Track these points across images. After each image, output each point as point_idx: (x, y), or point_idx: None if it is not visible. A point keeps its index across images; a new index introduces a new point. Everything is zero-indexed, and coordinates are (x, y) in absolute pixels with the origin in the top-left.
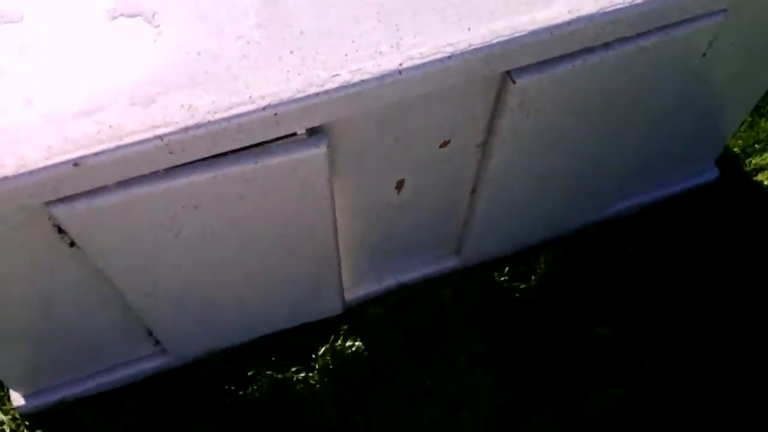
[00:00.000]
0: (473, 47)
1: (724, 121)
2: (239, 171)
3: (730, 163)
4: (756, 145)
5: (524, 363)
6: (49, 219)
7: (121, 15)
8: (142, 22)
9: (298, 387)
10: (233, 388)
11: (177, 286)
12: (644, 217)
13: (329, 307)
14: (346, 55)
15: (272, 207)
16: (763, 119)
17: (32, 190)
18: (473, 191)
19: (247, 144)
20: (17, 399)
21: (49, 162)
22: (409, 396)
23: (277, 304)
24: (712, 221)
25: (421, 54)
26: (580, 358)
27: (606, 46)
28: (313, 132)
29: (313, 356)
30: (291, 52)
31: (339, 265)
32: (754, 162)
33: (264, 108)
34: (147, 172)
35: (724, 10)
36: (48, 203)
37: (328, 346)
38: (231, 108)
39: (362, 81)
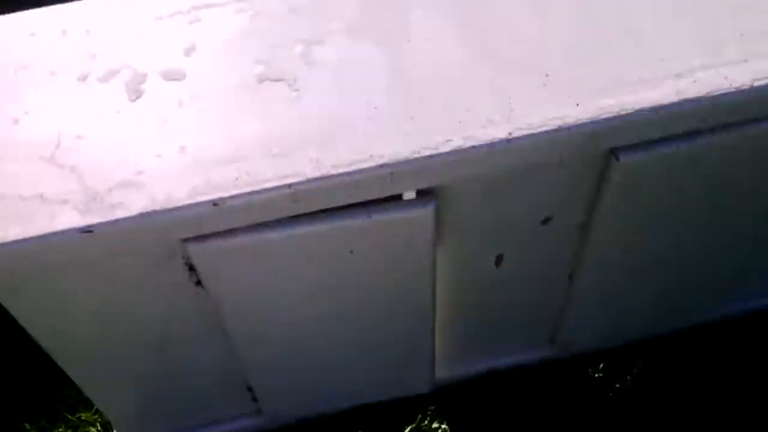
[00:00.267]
0: (580, 121)
1: None
2: (353, 224)
3: None
4: None
5: None
6: (183, 258)
7: (268, 79)
8: (284, 86)
9: None
10: None
11: (282, 337)
12: (759, 322)
13: (419, 383)
14: (459, 122)
15: (378, 266)
16: None
17: (175, 225)
18: (571, 277)
19: (363, 199)
20: None
21: (193, 201)
22: None
23: (371, 371)
24: None
25: (529, 125)
26: None
27: (713, 130)
28: (423, 194)
29: None
30: (411, 118)
31: (433, 336)
32: None
33: (381, 166)
34: (273, 218)
35: None
36: (185, 240)
37: (414, 425)
38: (352, 164)
39: (473, 146)
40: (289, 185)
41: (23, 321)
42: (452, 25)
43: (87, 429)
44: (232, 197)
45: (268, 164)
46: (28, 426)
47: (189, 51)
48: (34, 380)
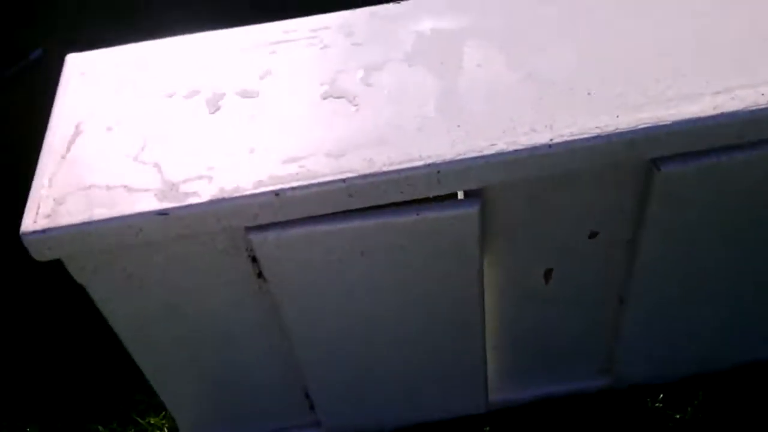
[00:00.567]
0: (619, 130)
1: None
2: (403, 221)
3: None
4: None
5: None
6: (246, 250)
7: (331, 96)
8: (345, 102)
9: None
10: None
11: (337, 337)
12: None
13: (473, 402)
14: (504, 131)
15: (427, 265)
16: None
17: (240, 212)
18: (621, 300)
19: (412, 198)
20: None
21: (256, 191)
22: None
23: (425, 384)
24: None
25: (571, 133)
26: None
27: (753, 145)
28: (469, 195)
29: None
30: (458, 126)
31: (484, 353)
32: None
33: (429, 165)
34: (329, 211)
35: None
36: (248, 228)
37: None
38: (402, 163)
39: (516, 150)
40: (344, 180)
41: (101, 305)
42: (500, 54)
43: None
44: (292, 188)
45: (326, 163)
46: (101, 428)
47: (264, 75)
48: (109, 385)
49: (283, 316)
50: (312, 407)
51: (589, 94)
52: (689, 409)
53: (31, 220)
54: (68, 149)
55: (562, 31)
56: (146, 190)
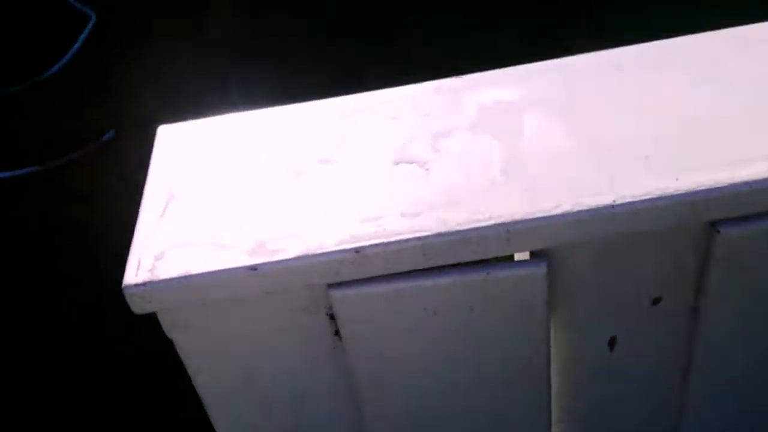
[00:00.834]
0: (680, 192)
1: None
2: (473, 279)
3: None
4: None
5: None
6: (325, 308)
7: (402, 162)
8: (416, 167)
9: None
10: None
11: (404, 398)
12: None
13: None
14: (568, 193)
15: (495, 325)
16: None
17: (323, 269)
18: (686, 372)
19: (482, 257)
20: None
21: (338, 248)
22: None
23: None
24: None
25: (633, 195)
26: None
27: None
28: (536, 255)
29: None
30: (525, 189)
31: (550, 419)
32: None
33: (499, 225)
34: (404, 269)
35: None
36: (329, 285)
37: None
38: (474, 223)
39: (580, 211)
40: (419, 238)
41: (188, 361)
42: (559, 123)
43: None
44: (371, 246)
45: (402, 222)
46: None
47: (340, 144)
48: None
49: (355, 374)
50: None
51: (647, 157)
52: None
53: (133, 275)
54: (164, 211)
55: (618, 100)
56: (237, 248)
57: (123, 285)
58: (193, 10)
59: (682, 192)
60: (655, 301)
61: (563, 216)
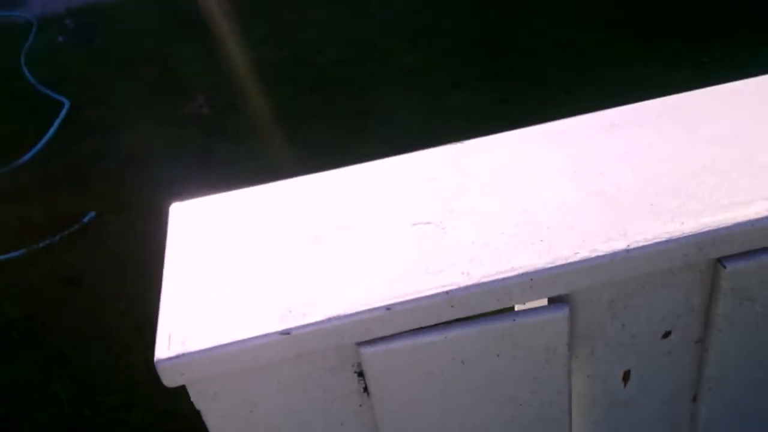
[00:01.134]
0: (687, 234)
1: None
2: (500, 327)
3: None
4: None
5: None
6: (353, 366)
7: (419, 223)
8: (433, 226)
9: None
10: None
11: None
12: None
13: None
14: (583, 241)
15: (520, 370)
16: None
17: (354, 327)
18: (694, 399)
19: (505, 306)
20: None
21: (369, 306)
22: None
23: None
24: None
25: (644, 239)
26: None
27: None
28: (557, 301)
29: None
30: (541, 240)
31: None
32: None
33: (522, 274)
34: (432, 323)
35: None
36: (359, 343)
37: None
38: (497, 274)
39: (598, 257)
40: (447, 292)
41: (213, 428)
42: (563, 180)
43: None
44: (401, 303)
45: (427, 279)
46: None
47: (354, 211)
48: None
49: (381, 430)
50: None
51: (651, 205)
52: None
53: (165, 348)
54: (188, 285)
55: (616, 157)
56: (266, 315)
57: (156, 359)
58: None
59: (689, 234)
60: (665, 335)
61: (582, 262)
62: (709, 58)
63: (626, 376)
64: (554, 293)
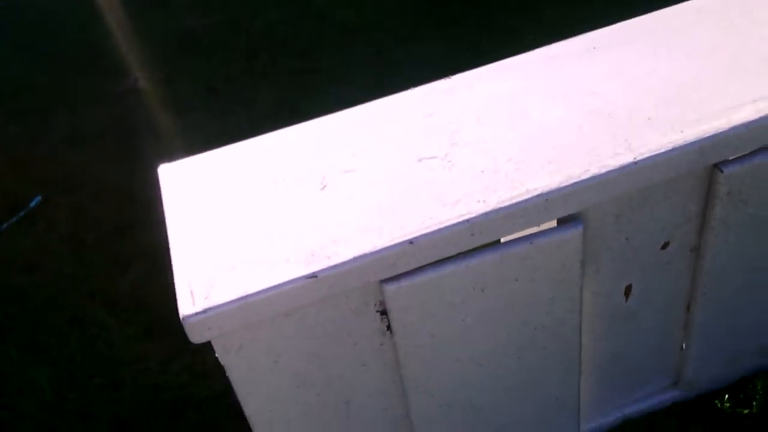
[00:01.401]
0: (688, 142)
1: None
2: (518, 251)
3: None
4: None
5: None
6: (375, 306)
7: (425, 158)
8: (438, 160)
9: None
10: None
11: (450, 382)
12: None
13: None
14: (590, 159)
15: (536, 292)
16: None
17: (379, 265)
18: (688, 308)
19: (523, 229)
20: None
21: (393, 242)
22: None
23: (523, 422)
24: None
25: (649, 150)
26: None
27: None
28: (568, 220)
29: None
30: (549, 162)
31: (579, 375)
32: None
33: (537, 196)
34: (453, 253)
35: None
36: (383, 281)
37: None
38: (513, 198)
39: (608, 171)
40: (467, 221)
41: (238, 384)
42: (558, 102)
43: None
44: (423, 235)
45: (446, 210)
46: None
47: (356, 154)
48: None
49: (402, 365)
50: None
51: (649, 119)
52: (754, 403)
53: (189, 304)
54: (200, 240)
55: (603, 76)
56: (290, 260)
57: (181, 316)
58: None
59: (691, 141)
60: (664, 246)
61: (593, 179)
62: None
63: (628, 291)
64: (567, 212)
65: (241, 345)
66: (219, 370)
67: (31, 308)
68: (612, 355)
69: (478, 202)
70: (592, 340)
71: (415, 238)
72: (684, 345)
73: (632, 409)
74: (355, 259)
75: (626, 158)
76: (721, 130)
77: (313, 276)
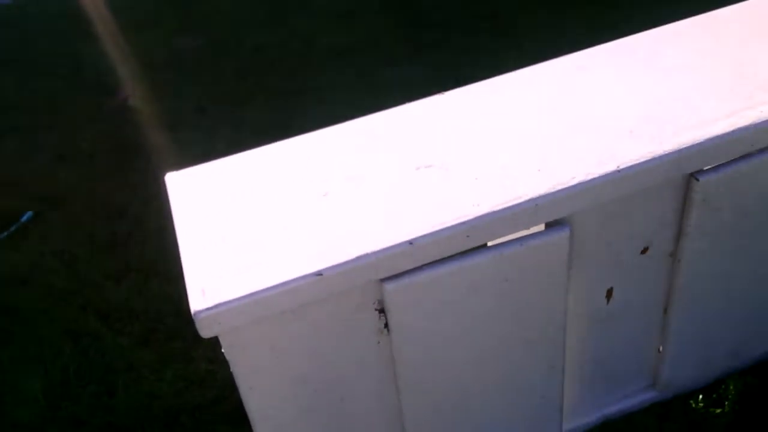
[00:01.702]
0: (666, 152)
1: None
2: (509, 252)
3: None
4: None
5: None
6: (374, 304)
7: (422, 167)
8: (435, 168)
9: None
10: None
11: (445, 382)
12: None
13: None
14: (576, 167)
15: (525, 292)
16: None
17: (380, 264)
18: (666, 310)
19: (514, 231)
20: None
21: (393, 242)
22: None
23: (506, 419)
24: None
25: (630, 159)
26: None
27: (762, 150)
28: (557, 224)
29: None
30: (539, 170)
31: (563, 375)
32: None
33: (528, 201)
34: (448, 254)
35: None
36: (383, 280)
37: None
38: (505, 203)
39: (593, 179)
40: (463, 223)
41: (242, 380)
42: (545, 116)
43: None
44: (421, 236)
45: (443, 213)
46: None
47: (357, 164)
48: None
49: (399, 365)
50: None
51: (631, 131)
52: (726, 403)
53: (200, 300)
54: (209, 242)
55: (589, 94)
56: (296, 259)
57: (192, 311)
58: (88, 90)
59: (669, 151)
60: (644, 251)
61: (579, 185)
62: (623, 17)
63: (609, 294)
64: (555, 216)
65: (246, 342)
66: (212, 377)
67: (24, 321)
68: (593, 356)
69: (473, 205)
70: (575, 342)
71: (415, 239)
72: (661, 347)
73: (612, 409)
74: (358, 257)
75: (610, 166)
76: (696, 142)
77: (318, 274)
